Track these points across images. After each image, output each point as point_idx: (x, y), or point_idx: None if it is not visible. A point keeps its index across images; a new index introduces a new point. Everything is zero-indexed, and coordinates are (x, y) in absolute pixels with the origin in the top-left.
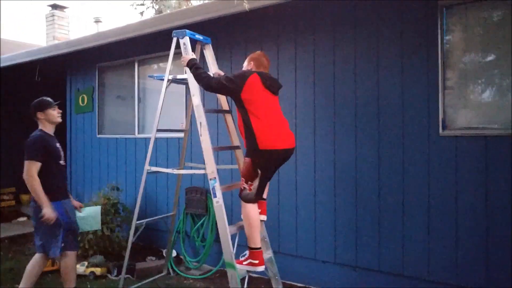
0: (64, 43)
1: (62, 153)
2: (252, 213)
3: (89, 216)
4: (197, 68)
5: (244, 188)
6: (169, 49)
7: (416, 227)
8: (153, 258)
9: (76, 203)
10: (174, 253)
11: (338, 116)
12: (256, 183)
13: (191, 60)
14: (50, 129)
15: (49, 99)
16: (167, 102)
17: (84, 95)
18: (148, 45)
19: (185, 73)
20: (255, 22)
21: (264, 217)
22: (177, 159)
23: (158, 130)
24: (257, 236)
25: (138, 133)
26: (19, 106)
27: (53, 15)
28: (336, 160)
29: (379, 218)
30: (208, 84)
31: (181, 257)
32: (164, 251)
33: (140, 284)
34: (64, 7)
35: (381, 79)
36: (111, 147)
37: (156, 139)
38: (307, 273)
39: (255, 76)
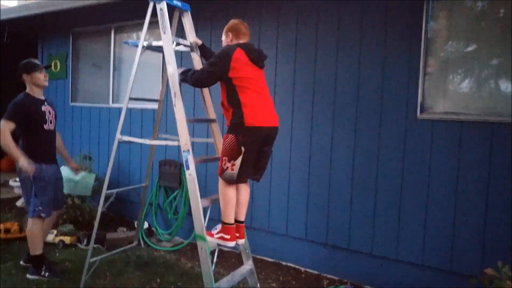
0: (35, 3)
1: (49, 117)
2: (231, 193)
3: (82, 181)
4: (186, 72)
5: (227, 167)
6: (153, 17)
7: (387, 208)
8: (125, 229)
9: (73, 165)
10: (145, 225)
11: (317, 97)
12: (238, 162)
13: (181, 73)
14: (37, 93)
15: (36, 61)
16: (146, 72)
17: (57, 61)
18: (126, 11)
19: (161, 40)
20: None
21: (242, 241)
22: (152, 131)
23: (131, 99)
24: (231, 212)
25: (113, 103)
26: None
27: None
28: (313, 141)
29: (352, 198)
30: (198, 81)
31: (153, 229)
32: (135, 223)
33: (109, 253)
34: None
35: (363, 62)
36: (84, 116)
37: (131, 110)
38: (278, 248)
39: (239, 50)
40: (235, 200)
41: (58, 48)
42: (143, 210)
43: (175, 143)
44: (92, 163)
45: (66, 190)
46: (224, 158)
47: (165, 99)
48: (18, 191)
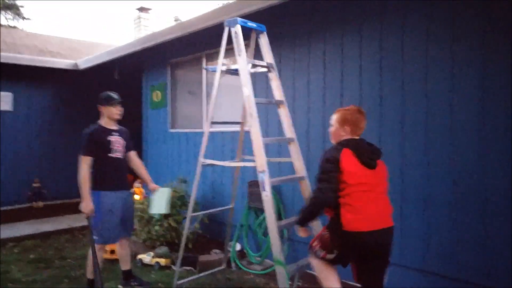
0: (137, 41)
1: (116, 146)
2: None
3: (156, 198)
4: (303, 213)
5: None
6: (229, 44)
7: None
8: (218, 251)
9: (152, 186)
10: (238, 247)
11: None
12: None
13: (299, 222)
14: (108, 123)
15: (113, 95)
16: (234, 96)
17: (158, 91)
18: (214, 38)
19: (237, 62)
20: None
21: None
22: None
23: (213, 123)
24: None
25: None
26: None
27: (139, 17)
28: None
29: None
30: (318, 203)
31: (245, 251)
32: (228, 245)
33: (198, 276)
34: (149, 9)
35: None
36: (182, 141)
37: (222, 133)
38: None
39: (347, 152)
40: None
41: (159, 79)
42: (229, 231)
43: (252, 164)
44: (188, 185)
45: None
46: (316, 243)
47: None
48: None
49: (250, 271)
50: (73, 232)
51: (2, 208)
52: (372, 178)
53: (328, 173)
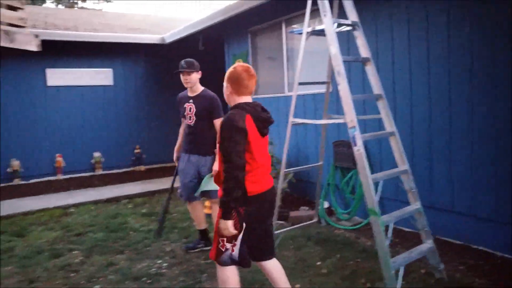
0: (218, 12)
1: (188, 113)
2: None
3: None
4: (225, 203)
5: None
6: (314, 5)
7: None
8: (306, 208)
9: None
10: (326, 205)
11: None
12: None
13: (224, 214)
14: (189, 90)
15: (181, 63)
16: (318, 60)
17: (240, 59)
18: (293, 3)
19: (323, 23)
20: None
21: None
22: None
23: (300, 84)
24: None
25: (288, 91)
26: None
27: None
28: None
29: None
30: (232, 172)
31: (332, 208)
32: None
33: (292, 228)
34: None
35: None
36: (264, 106)
37: (304, 96)
38: (463, 229)
39: (249, 118)
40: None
41: (240, 48)
42: (319, 189)
43: (341, 121)
44: (274, 147)
45: None
46: (220, 239)
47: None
48: None
49: (340, 226)
50: (174, 191)
51: (114, 171)
52: (262, 145)
53: (239, 145)
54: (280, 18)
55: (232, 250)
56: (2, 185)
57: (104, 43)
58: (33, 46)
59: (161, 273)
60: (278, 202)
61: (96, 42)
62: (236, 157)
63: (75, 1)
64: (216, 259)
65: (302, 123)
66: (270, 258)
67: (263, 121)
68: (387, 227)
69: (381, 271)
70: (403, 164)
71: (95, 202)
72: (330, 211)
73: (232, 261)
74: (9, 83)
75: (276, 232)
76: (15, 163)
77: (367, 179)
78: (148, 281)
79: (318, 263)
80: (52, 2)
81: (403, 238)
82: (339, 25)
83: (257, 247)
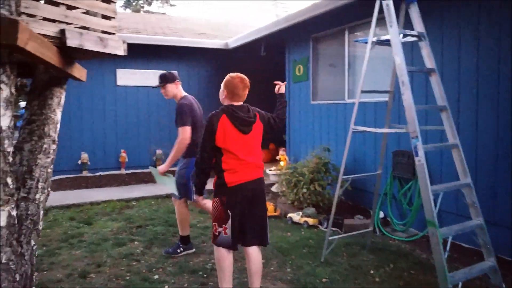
0: (283, 19)
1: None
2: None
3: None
4: (195, 184)
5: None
6: (380, 13)
7: None
8: (361, 217)
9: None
10: (381, 215)
11: None
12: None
13: (196, 192)
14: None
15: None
16: (379, 68)
17: (300, 65)
18: (357, 12)
19: (389, 33)
20: None
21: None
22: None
23: (363, 92)
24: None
25: (348, 98)
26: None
27: None
28: None
29: None
30: (199, 162)
31: (388, 219)
32: (371, 211)
33: (346, 235)
34: None
35: None
36: (323, 112)
37: (364, 103)
38: None
39: (224, 118)
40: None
41: (301, 54)
42: (377, 198)
43: (403, 130)
44: (330, 154)
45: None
46: (214, 223)
47: (396, 90)
48: (273, 178)
49: (395, 237)
50: None
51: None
52: (245, 142)
53: (205, 141)
54: (343, 26)
55: (225, 233)
56: (72, 176)
57: (171, 46)
58: (121, 50)
59: (215, 269)
60: (333, 208)
61: (163, 45)
62: (201, 150)
63: (141, 5)
64: (213, 242)
65: (363, 131)
66: (252, 244)
67: (240, 120)
68: (445, 240)
69: (436, 285)
70: (465, 177)
71: (155, 197)
72: (385, 221)
73: (225, 243)
74: (83, 82)
75: (330, 238)
76: (84, 156)
77: (427, 190)
78: (204, 275)
79: (371, 271)
80: (121, 7)
81: (462, 254)
82: (405, 35)
83: (240, 231)
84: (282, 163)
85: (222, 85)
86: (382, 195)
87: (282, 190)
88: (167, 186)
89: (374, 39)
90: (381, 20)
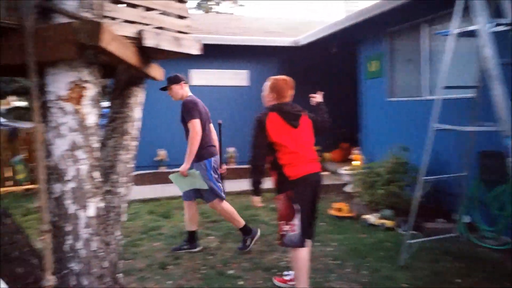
0: (355, 13)
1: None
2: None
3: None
4: (250, 183)
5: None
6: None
7: None
8: (443, 221)
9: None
10: (467, 219)
11: None
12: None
13: (253, 193)
14: None
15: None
16: (457, 62)
17: (374, 61)
18: (436, 3)
19: (475, 23)
20: None
21: None
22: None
23: (446, 87)
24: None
25: (426, 95)
26: (319, 77)
27: None
28: None
29: None
30: (252, 160)
31: (474, 224)
32: (454, 215)
33: (427, 239)
34: None
35: None
36: (398, 109)
37: (445, 100)
38: None
39: (273, 114)
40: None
41: (374, 50)
42: (463, 201)
43: (493, 129)
44: (408, 153)
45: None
46: (282, 223)
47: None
48: (345, 178)
49: (483, 244)
50: None
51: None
52: (296, 136)
53: (257, 139)
54: (421, 19)
55: (292, 231)
56: (150, 171)
57: (242, 45)
58: (196, 50)
59: (289, 267)
60: (413, 211)
61: (234, 45)
62: (253, 148)
63: (210, 6)
64: (280, 244)
65: (447, 129)
66: (311, 238)
67: (288, 114)
68: None
69: None
70: None
71: (228, 193)
72: (470, 227)
73: (293, 242)
74: (161, 82)
75: (409, 241)
76: (162, 153)
77: None
78: (278, 273)
79: (458, 280)
80: (193, 8)
81: None
82: (497, 24)
83: (308, 224)
84: (356, 163)
85: (266, 89)
86: (468, 199)
87: (356, 190)
88: (196, 184)
89: (457, 30)
90: (463, 11)
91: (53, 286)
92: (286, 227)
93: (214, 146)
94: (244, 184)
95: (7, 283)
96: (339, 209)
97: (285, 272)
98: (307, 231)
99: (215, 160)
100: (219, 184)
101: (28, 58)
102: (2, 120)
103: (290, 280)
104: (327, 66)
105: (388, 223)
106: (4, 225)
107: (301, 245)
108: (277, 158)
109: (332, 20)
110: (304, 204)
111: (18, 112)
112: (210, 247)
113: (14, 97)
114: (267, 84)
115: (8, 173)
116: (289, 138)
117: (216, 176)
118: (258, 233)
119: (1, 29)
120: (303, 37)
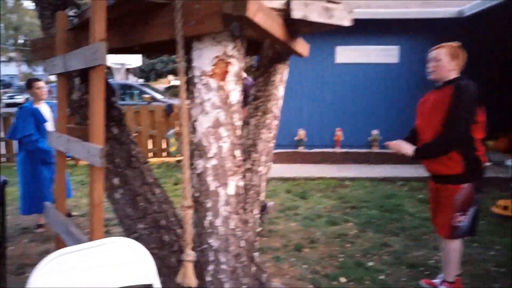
0: None
1: None
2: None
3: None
4: (428, 149)
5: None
6: None
7: None
8: None
9: None
10: None
11: None
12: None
13: (417, 154)
14: None
15: None
16: None
17: None
18: None
19: None
20: None
21: None
22: None
23: None
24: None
25: None
26: (484, 54)
27: None
28: None
29: None
30: (453, 143)
31: None
32: None
33: None
34: None
35: None
36: None
37: None
38: None
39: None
40: None
41: None
42: None
43: None
44: None
45: None
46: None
47: None
48: None
49: None
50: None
51: (389, 151)
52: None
53: (471, 115)
54: None
55: (463, 221)
56: (289, 150)
57: (393, 19)
58: (347, 21)
59: (440, 267)
60: None
61: (384, 19)
62: (464, 123)
63: None
64: (451, 238)
65: None
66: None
67: (476, 90)
68: None
69: None
70: None
71: (370, 179)
72: None
73: (465, 232)
74: (302, 60)
75: None
76: (301, 133)
77: None
78: (426, 272)
79: None
80: None
81: None
82: None
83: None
84: None
85: (444, 56)
86: None
87: None
88: None
89: None
90: None
91: (192, 261)
92: (462, 218)
93: None
94: (388, 171)
95: (154, 249)
96: (505, 207)
97: (438, 277)
98: (475, 224)
99: None
100: None
101: (177, 33)
102: (161, 97)
103: (441, 284)
104: (500, 42)
105: None
106: (154, 194)
107: (469, 234)
108: (474, 139)
109: None
110: (479, 195)
111: (174, 89)
112: (348, 234)
113: (172, 77)
114: (443, 51)
115: (163, 145)
116: (481, 119)
117: None
118: None
119: (150, 6)
120: (469, 7)
